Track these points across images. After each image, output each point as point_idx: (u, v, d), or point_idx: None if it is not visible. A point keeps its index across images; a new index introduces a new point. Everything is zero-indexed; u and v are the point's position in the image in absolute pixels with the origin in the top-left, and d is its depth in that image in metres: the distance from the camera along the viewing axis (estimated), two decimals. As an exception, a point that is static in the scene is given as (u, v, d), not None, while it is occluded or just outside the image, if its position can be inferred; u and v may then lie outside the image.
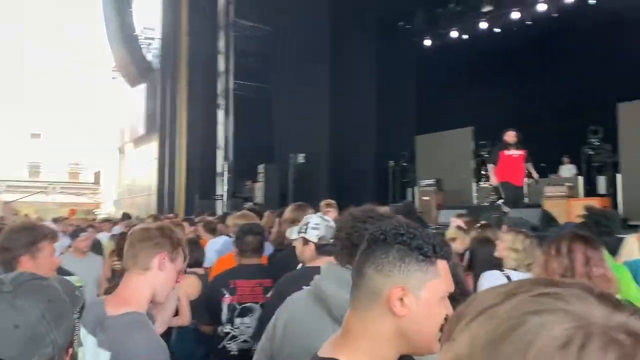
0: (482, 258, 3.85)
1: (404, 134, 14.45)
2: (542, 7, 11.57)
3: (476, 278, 3.65)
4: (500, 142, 8.95)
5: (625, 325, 0.43)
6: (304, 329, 1.59)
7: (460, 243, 4.36)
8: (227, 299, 2.81)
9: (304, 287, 2.33)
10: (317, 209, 7.19)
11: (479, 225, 4.80)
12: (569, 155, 11.65)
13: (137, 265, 1.73)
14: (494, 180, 9.09)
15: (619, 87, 10.56)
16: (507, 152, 8.72)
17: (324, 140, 14.04)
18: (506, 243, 3.35)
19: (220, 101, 14.80)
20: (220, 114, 14.82)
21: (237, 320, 2.83)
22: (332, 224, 2.55)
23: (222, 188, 14.29)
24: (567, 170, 11.56)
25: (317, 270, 2.36)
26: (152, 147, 16.98)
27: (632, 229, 8.78)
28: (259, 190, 13.83)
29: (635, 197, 9.72)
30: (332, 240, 2.42)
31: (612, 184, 10.38)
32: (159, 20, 16.02)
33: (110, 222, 10.54)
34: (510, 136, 8.81)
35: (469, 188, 12.13)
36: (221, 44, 14.50)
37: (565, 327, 0.43)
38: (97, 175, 35.78)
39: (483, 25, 12.68)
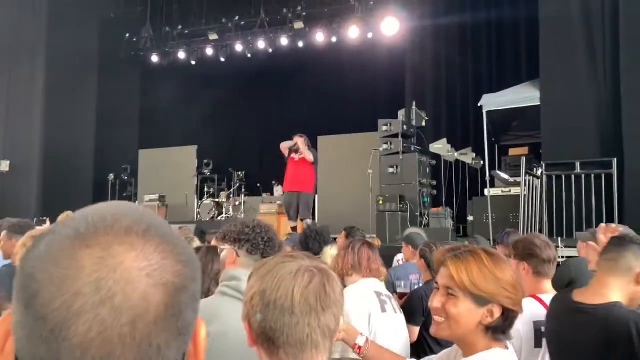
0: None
1: (126, 147, 14.84)
2: (261, 44, 13.65)
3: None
4: None
5: (316, 266, 1.25)
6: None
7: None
8: None
9: None
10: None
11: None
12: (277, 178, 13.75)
13: None
14: None
15: (320, 123, 13.27)
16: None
17: (34, 147, 13.37)
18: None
19: None
20: None
21: None
22: None
23: None
24: (277, 190, 13.82)
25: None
26: None
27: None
28: (-55, 201, 12.40)
29: (329, 214, 12.36)
30: None
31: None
32: None
33: None
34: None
35: (192, 204, 13.34)
36: None
37: (294, 267, 1.22)
38: None
39: (209, 51, 14.13)
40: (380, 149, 10.11)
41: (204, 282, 2.37)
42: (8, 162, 12.90)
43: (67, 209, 10.74)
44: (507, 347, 1.60)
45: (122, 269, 0.52)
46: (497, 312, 1.55)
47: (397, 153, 9.94)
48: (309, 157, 8.97)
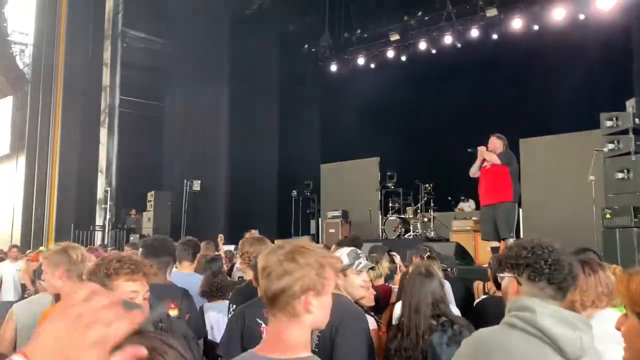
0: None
1: (308, 161, 14.76)
2: (448, 39, 12.56)
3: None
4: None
5: None
6: None
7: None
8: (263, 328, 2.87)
9: None
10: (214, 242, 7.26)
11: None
12: (465, 192, 12.46)
13: None
14: None
15: (521, 124, 11.70)
16: None
17: (221, 166, 13.94)
18: None
19: (104, 118, 14.22)
20: (103, 133, 14.21)
21: None
22: None
23: (103, 218, 13.61)
24: (468, 205, 12.49)
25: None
26: (19, 169, 15.82)
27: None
28: (147, 220, 13.33)
29: (538, 230, 10.74)
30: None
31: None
32: (33, 24, 15.09)
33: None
34: None
35: (376, 220, 12.61)
36: (106, 55, 13.99)
37: None
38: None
39: (390, 53, 13.44)
40: (605, 149, 8.43)
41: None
42: (199, 182, 13.48)
43: (254, 227, 10.72)
44: None
45: None
46: None
47: (628, 154, 8.27)
48: (493, 159, 7.56)
